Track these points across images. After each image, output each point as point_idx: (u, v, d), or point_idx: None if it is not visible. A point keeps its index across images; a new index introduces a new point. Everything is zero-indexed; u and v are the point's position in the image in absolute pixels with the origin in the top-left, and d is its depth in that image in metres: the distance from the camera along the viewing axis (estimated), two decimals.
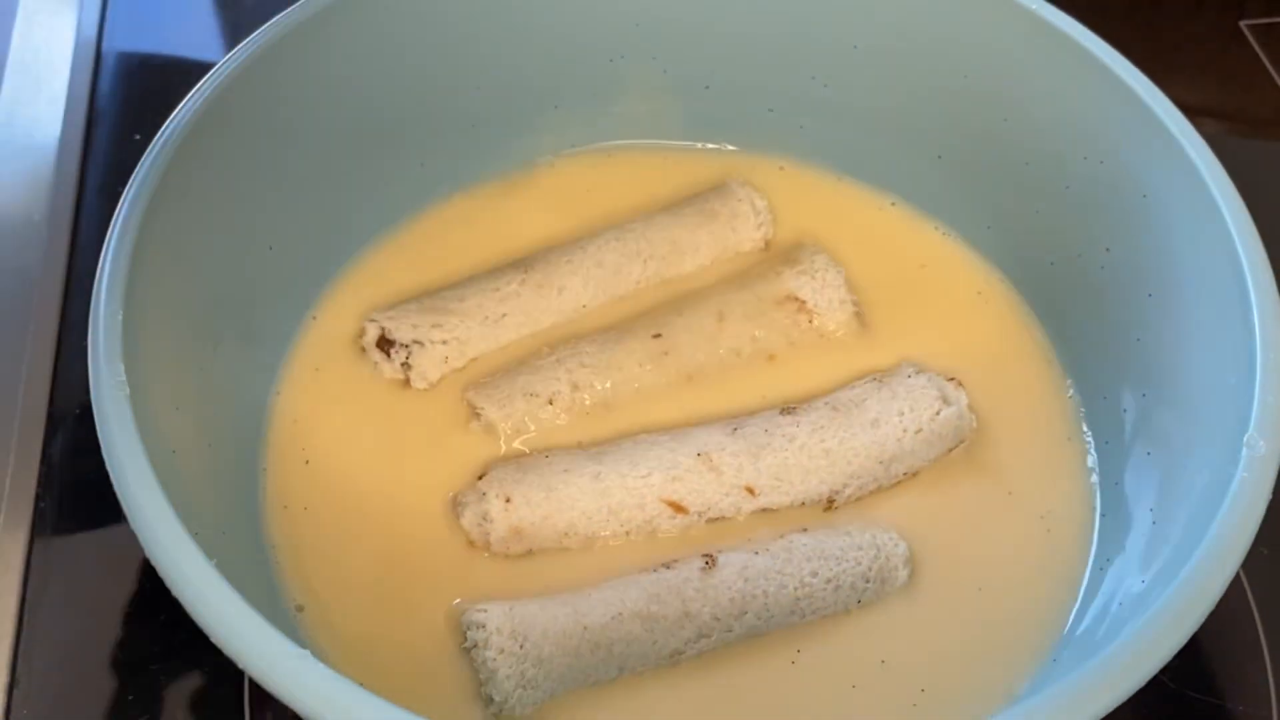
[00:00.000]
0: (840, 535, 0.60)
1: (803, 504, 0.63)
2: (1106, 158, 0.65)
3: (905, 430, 0.63)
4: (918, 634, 0.59)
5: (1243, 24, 1.03)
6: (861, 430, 0.63)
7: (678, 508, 0.61)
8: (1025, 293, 0.73)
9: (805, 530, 0.61)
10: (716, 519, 0.62)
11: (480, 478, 0.62)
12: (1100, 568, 0.60)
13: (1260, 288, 0.54)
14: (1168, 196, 0.61)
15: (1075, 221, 0.68)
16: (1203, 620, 0.45)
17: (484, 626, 0.55)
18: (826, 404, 0.65)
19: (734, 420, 0.65)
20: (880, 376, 0.67)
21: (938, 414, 0.63)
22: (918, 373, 0.66)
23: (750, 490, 0.62)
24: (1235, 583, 0.64)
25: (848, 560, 0.59)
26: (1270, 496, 0.49)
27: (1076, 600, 0.60)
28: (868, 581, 0.59)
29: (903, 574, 0.60)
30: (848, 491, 0.63)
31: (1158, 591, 0.47)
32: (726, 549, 0.60)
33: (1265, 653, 0.65)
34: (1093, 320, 0.68)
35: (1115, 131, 0.64)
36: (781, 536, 0.60)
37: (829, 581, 0.58)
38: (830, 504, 0.63)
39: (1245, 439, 0.50)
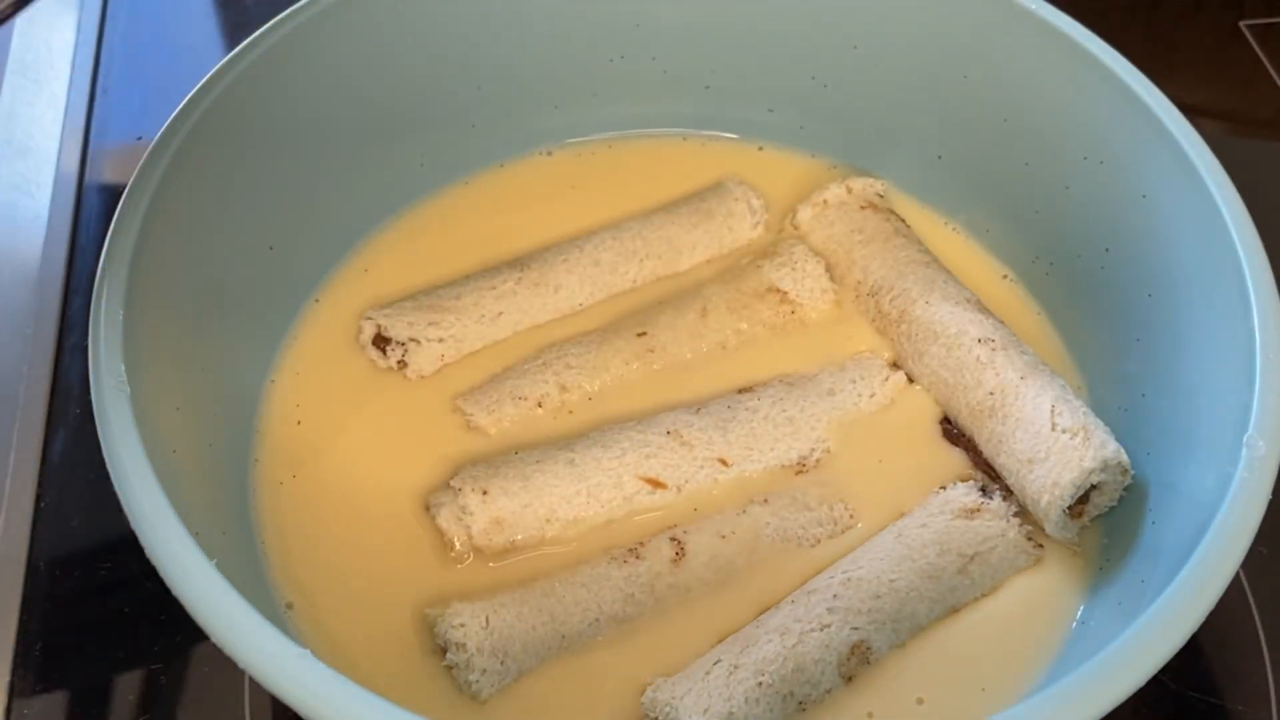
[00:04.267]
0: (801, 510, 0.62)
1: (778, 469, 0.64)
2: (1106, 158, 0.65)
3: (860, 394, 0.67)
4: (918, 634, 0.59)
5: (1243, 24, 1.03)
6: (819, 399, 0.66)
7: (655, 483, 0.62)
8: (1029, 292, 0.73)
9: (767, 501, 0.62)
10: (694, 492, 0.63)
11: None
12: (1100, 567, 0.60)
13: (1260, 288, 0.54)
14: (1168, 196, 0.61)
15: (1075, 222, 0.68)
16: (1203, 620, 0.45)
17: (464, 647, 0.55)
18: (781, 381, 0.67)
19: (696, 403, 0.66)
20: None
21: (886, 379, 0.68)
22: (859, 353, 0.70)
23: (723, 461, 0.63)
24: (1235, 583, 0.64)
25: (808, 538, 0.62)
26: (1270, 496, 0.49)
27: (1078, 599, 0.60)
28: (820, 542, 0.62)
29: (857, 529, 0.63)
30: (815, 455, 0.65)
31: (1158, 591, 0.47)
32: (694, 529, 0.61)
33: (1265, 653, 0.65)
34: (1092, 320, 0.68)
35: (1115, 131, 0.64)
36: (745, 511, 0.62)
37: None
38: (801, 468, 0.64)
39: (1245, 439, 0.50)
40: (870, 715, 0.56)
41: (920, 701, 0.56)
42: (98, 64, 0.96)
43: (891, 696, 0.56)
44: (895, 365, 0.69)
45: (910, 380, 0.68)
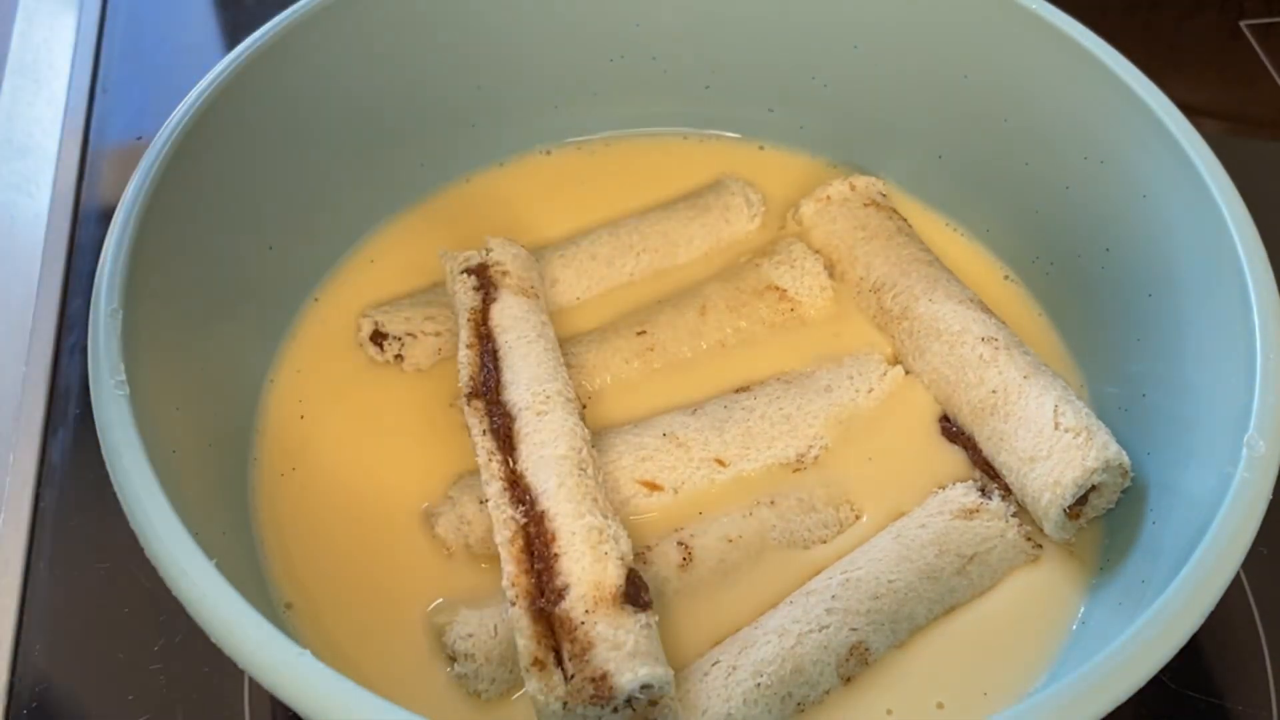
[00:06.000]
0: (807, 513, 0.62)
1: (775, 466, 0.64)
2: (1106, 158, 0.65)
3: (858, 390, 0.67)
4: (920, 635, 0.59)
5: (1243, 24, 1.03)
6: (816, 395, 0.66)
7: (652, 486, 0.62)
8: (1029, 292, 0.73)
9: (774, 504, 0.62)
10: (692, 493, 0.63)
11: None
12: (1100, 567, 0.60)
13: (1260, 288, 0.54)
14: (1168, 196, 0.61)
15: (1075, 221, 0.68)
16: (1203, 620, 0.45)
17: (473, 658, 0.55)
18: (779, 380, 0.67)
19: (696, 402, 0.66)
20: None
21: (885, 375, 0.68)
22: (858, 350, 0.70)
23: (720, 462, 0.63)
24: (1235, 583, 0.64)
25: (813, 540, 0.62)
26: (1270, 496, 0.49)
27: (1078, 599, 0.60)
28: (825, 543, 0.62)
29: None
30: (813, 452, 0.65)
31: (1158, 591, 0.47)
32: (701, 533, 0.60)
33: (1265, 653, 0.65)
34: (1092, 320, 0.68)
35: (1115, 131, 0.64)
36: (751, 514, 0.61)
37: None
38: (799, 465, 0.64)
39: (1245, 439, 0.50)
40: (890, 713, 0.56)
41: (940, 706, 0.56)
42: (98, 64, 0.96)
43: (895, 700, 0.56)
44: (893, 361, 0.69)
45: (907, 373, 0.68)
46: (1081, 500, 0.60)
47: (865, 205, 0.73)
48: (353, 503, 0.63)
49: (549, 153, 0.80)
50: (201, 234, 0.61)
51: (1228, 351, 0.54)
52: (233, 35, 1.00)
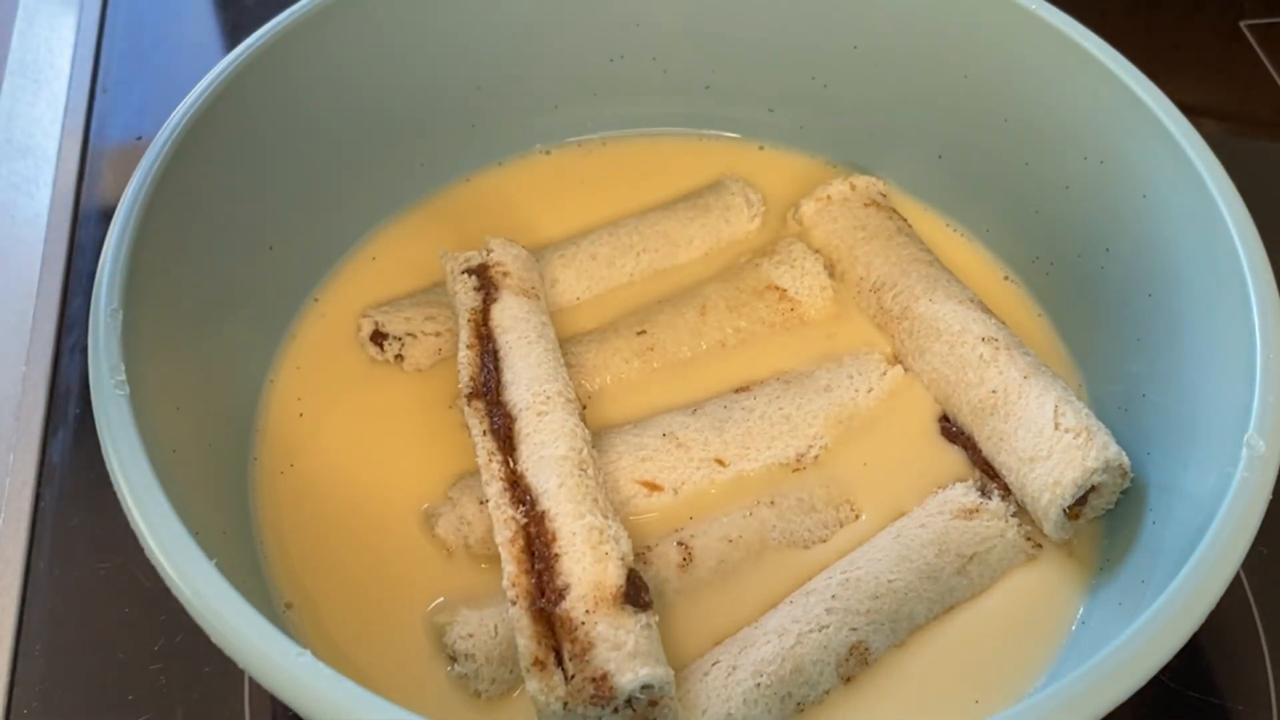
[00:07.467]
0: (807, 513, 0.62)
1: (775, 466, 0.64)
2: (1106, 158, 0.65)
3: (858, 390, 0.67)
4: (920, 635, 0.59)
5: (1243, 24, 1.03)
6: (816, 395, 0.66)
7: (652, 486, 0.62)
8: (1029, 292, 0.73)
9: (774, 504, 0.62)
10: (692, 493, 0.63)
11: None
12: (1100, 567, 0.60)
13: (1260, 288, 0.54)
14: (1168, 196, 0.61)
15: (1075, 222, 0.68)
16: (1203, 620, 0.45)
17: (473, 658, 0.55)
18: (778, 380, 0.67)
19: (695, 402, 0.66)
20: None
21: (884, 374, 0.68)
22: (858, 349, 0.70)
23: (720, 462, 0.63)
24: (1235, 583, 0.64)
25: (814, 540, 0.62)
26: (1270, 496, 0.49)
27: (1078, 599, 0.60)
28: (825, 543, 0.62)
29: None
30: (813, 452, 0.65)
31: (1158, 591, 0.47)
32: (701, 533, 0.60)
33: (1265, 653, 0.65)
34: (1092, 320, 0.68)
35: (1115, 131, 0.64)
36: (751, 514, 0.61)
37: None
38: (799, 465, 0.64)
39: (1245, 439, 0.50)
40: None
41: (920, 705, 0.56)
42: (98, 64, 0.96)
43: (896, 704, 0.56)
44: (893, 361, 0.69)
45: (906, 373, 0.68)
46: (1081, 500, 0.60)
47: (865, 205, 0.73)
48: (353, 503, 0.63)
49: (549, 153, 0.80)
50: (201, 234, 0.61)
51: (1228, 351, 0.55)
52: (233, 35, 1.00)
